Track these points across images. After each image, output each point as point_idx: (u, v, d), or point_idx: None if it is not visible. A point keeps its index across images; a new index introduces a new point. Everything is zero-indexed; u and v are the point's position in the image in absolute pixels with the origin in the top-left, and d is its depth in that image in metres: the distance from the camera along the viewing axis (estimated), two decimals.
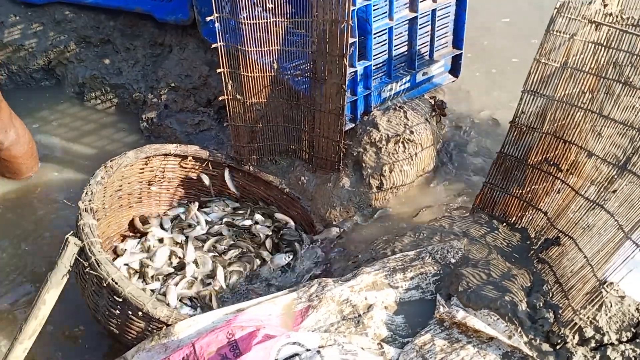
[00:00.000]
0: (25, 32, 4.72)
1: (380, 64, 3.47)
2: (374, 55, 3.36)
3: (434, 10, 3.47)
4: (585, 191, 2.60)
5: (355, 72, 3.31)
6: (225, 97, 3.34)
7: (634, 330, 2.30)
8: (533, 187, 2.90)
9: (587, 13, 2.55)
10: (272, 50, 3.20)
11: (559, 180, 2.79)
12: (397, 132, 3.38)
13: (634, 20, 2.48)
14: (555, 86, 2.71)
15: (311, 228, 3.45)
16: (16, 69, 4.83)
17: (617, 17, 2.51)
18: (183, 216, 3.51)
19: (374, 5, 3.19)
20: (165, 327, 2.59)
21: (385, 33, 3.35)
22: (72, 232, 2.73)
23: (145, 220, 3.46)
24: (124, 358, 2.62)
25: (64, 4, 4.68)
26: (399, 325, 2.55)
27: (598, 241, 2.40)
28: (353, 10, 2.99)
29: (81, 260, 2.68)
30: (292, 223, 3.46)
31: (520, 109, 2.82)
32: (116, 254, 3.26)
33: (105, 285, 2.61)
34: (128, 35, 4.67)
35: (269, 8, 3.07)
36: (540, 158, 2.85)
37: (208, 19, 3.11)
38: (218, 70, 3.24)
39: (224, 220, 3.48)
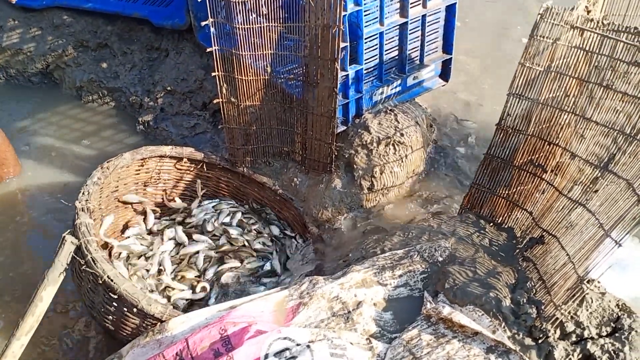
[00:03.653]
0: (23, 36, 4.79)
1: (372, 68, 3.54)
2: (365, 60, 3.43)
3: (424, 16, 3.54)
4: (569, 191, 2.67)
5: (347, 75, 3.38)
6: (220, 100, 3.41)
7: (614, 325, 2.37)
8: (519, 187, 2.98)
9: (570, 19, 2.63)
10: (265, 54, 3.27)
11: (544, 181, 2.86)
12: (388, 134, 3.45)
13: (614, 25, 2.56)
14: (539, 89, 2.79)
15: (303, 229, 3.51)
16: (14, 73, 4.90)
17: (598, 22, 2.59)
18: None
19: (365, 11, 3.26)
20: (159, 323, 2.65)
21: (376, 38, 3.42)
22: (69, 230, 2.79)
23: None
24: (119, 354, 2.67)
25: (62, 8, 4.76)
26: (387, 321, 2.61)
27: (580, 239, 2.47)
28: (344, 15, 3.06)
29: (78, 258, 2.74)
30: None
31: (506, 112, 2.89)
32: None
33: (101, 282, 2.67)
34: (125, 39, 4.75)
35: (263, 13, 3.14)
36: (525, 159, 2.93)
37: (203, 23, 3.19)
38: (213, 74, 3.31)
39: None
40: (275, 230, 3.54)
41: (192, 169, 3.63)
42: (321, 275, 2.83)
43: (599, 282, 2.48)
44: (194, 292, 3.15)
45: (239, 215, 3.53)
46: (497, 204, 3.06)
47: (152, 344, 2.61)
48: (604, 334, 2.37)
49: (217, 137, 4.19)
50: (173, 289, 3.13)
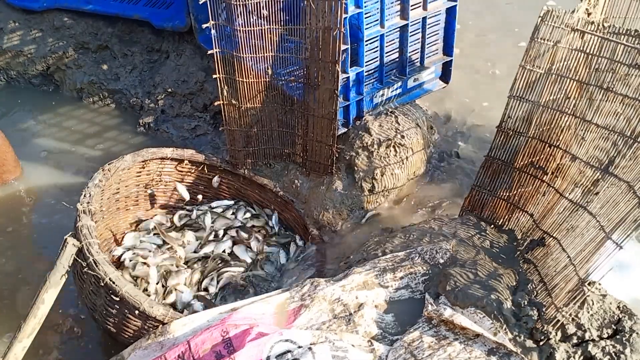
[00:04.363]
0: (24, 38, 4.80)
1: (372, 70, 3.55)
2: (366, 62, 3.44)
3: (424, 18, 3.55)
4: (570, 193, 2.68)
5: (348, 78, 3.39)
6: (221, 102, 3.42)
7: (615, 327, 2.38)
8: (520, 189, 2.98)
9: (570, 21, 2.64)
10: (266, 56, 3.27)
11: (545, 183, 2.87)
12: (389, 136, 3.46)
13: (615, 28, 2.57)
14: (540, 92, 2.79)
15: (304, 230, 3.52)
16: (15, 75, 4.90)
17: (599, 25, 2.60)
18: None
19: (365, 13, 3.26)
20: (161, 325, 2.65)
21: (377, 40, 3.43)
22: (70, 233, 2.80)
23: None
24: (121, 356, 2.68)
25: (62, 10, 4.76)
26: (389, 323, 2.62)
27: (581, 241, 2.47)
28: (345, 17, 3.07)
29: (79, 260, 2.74)
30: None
31: (507, 114, 2.89)
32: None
33: (102, 284, 2.67)
34: (126, 41, 4.75)
35: (264, 16, 3.15)
36: (526, 161, 2.93)
37: (204, 26, 3.19)
38: (214, 76, 3.32)
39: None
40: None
41: (193, 171, 3.64)
42: (322, 278, 2.84)
43: (600, 284, 2.49)
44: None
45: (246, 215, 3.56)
46: (498, 206, 3.07)
47: (154, 346, 2.61)
48: (605, 336, 2.37)
49: (218, 139, 4.20)
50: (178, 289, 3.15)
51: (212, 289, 3.18)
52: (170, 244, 3.37)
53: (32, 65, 4.84)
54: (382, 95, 3.66)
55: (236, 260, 3.35)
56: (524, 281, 2.64)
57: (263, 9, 3.12)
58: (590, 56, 2.63)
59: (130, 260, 3.25)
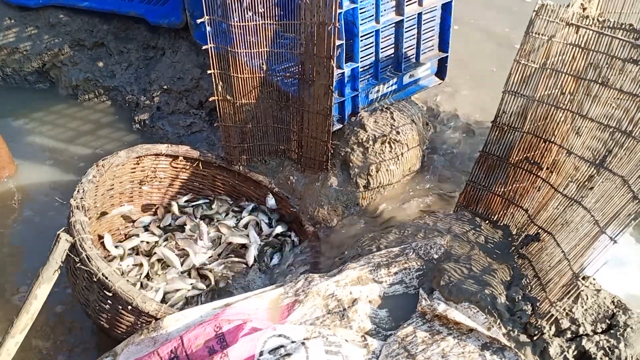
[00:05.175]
0: (20, 35, 4.79)
1: (367, 66, 3.53)
2: (361, 58, 3.42)
3: (419, 14, 3.53)
4: (565, 188, 2.67)
5: (343, 73, 3.37)
6: (216, 97, 3.41)
7: (609, 322, 2.37)
8: (515, 185, 2.97)
9: (565, 16, 2.63)
10: (261, 52, 3.26)
11: (540, 178, 2.86)
12: (384, 132, 3.44)
13: (610, 22, 2.56)
14: (535, 86, 2.78)
15: (300, 227, 3.51)
16: (10, 72, 4.90)
17: (594, 19, 2.59)
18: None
19: (360, 9, 3.25)
20: (154, 321, 2.64)
21: (372, 36, 3.42)
22: (63, 228, 2.78)
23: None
24: (114, 352, 2.66)
25: (58, 7, 4.76)
26: (383, 318, 2.61)
27: (575, 236, 2.47)
28: (340, 13, 3.06)
29: (72, 256, 2.73)
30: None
31: (502, 109, 2.89)
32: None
33: (95, 280, 2.66)
34: (121, 38, 4.75)
35: (259, 11, 3.14)
36: (521, 157, 2.92)
37: (199, 21, 3.19)
38: (209, 72, 3.31)
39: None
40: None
41: (187, 167, 3.63)
42: (317, 273, 2.83)
43: (594, 278, 2.48)
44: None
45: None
46: (493, 202, 3.06)
47: (146, 342, 2.60)
48: (599, 330, 2.36)
49: (213, 136, 4.19)
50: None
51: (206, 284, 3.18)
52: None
53: (27, 63, 4.83)
54: (378, 91, 3.65)
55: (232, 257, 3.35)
56: (518, 276, 2.63)
57: (258, 4, 3.11)
58: (585, 50, 2.62)
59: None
